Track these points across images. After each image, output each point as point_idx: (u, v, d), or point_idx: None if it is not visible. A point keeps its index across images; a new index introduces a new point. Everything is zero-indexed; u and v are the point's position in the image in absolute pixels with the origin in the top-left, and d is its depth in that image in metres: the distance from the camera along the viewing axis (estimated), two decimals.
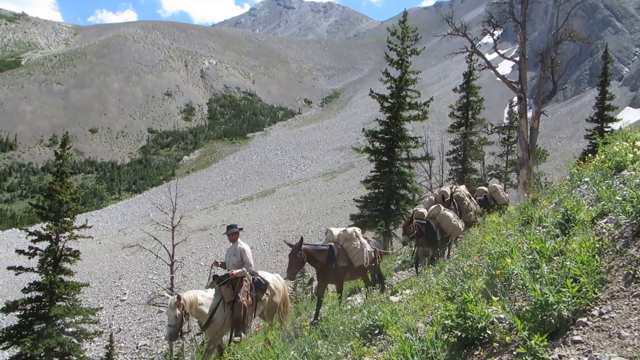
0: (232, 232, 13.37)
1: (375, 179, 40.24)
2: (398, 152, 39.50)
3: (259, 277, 13.37)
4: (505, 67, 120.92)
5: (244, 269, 12.82)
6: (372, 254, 14.47)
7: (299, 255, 12.95)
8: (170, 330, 11.40)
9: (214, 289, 12.65)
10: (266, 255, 69.88)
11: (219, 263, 13.80)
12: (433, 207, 18.34)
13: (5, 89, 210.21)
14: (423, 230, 16.85)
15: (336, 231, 14.30)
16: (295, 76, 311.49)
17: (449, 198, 20.59)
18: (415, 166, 42.65)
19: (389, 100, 39.67)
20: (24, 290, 27.85)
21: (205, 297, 12.24)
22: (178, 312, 11.24)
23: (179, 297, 11.36)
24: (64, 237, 28.17)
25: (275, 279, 14.13)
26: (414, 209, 19.47)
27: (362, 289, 18.61)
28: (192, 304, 11.71)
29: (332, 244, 14.05)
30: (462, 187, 22.31)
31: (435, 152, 49.95)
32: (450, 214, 17.80)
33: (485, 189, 27.03)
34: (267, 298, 13.46)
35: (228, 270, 12.97)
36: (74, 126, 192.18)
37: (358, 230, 14.51)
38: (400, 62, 39.37)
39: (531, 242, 6.90)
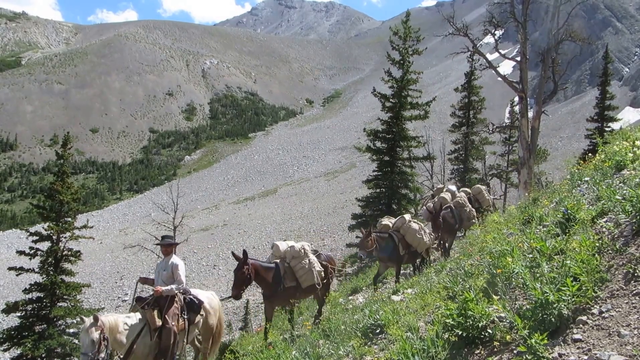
0: (167, 244, 11.69)
1: (377, 178, 40.22)
2: (399, 151, 39.49)
3: (191, 297, 11.65)
4: (507, 67, 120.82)
5: (172, 286, 10.98)
6: (323, 272, 13.40)
7: (245, 271, 11.82)
8: (84, 359, 9.44)
9: (137, 314, 10.77)
10: (268, 254, 69.58)
11: (146, 280, 11.98)
12: (397, 218, 17.15)
13: (6, 89, 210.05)
14: (383, 245, 15.70)
15: (283, 246, 13.36)
16: (296, 76, 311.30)
17: (447, 204, 20.25)
18: (416, 166, 42.66)
19: (391, 99, 39.67)
20: (25, 291, 27.87)
21: (126, 323, 10.37)
22: (95, 336, 9.42)
23: (96, 319, 9.63)
24: (65, 238, 28.19)
25: (211, 298, 12.68)
26: (380, 220, 18.02)
27: (363, 288, 18.65)
28: (111, 329, 9.92)
29: (278, 261, 13.11)
30: (462, 194, 22.01)
31: (437, 152, 50.01)
32: (416, 226, 16.47)
33: (469, 190, 25.93)
34: (201, 320, 11.89)
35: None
36: (75, 126, 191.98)
37: (307, 246, 13.51)
38: (402, 61, 39.36)
39: (532, 241, 6.93)
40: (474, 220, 20.48)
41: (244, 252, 12.07)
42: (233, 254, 12.39)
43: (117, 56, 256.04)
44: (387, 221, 17.27)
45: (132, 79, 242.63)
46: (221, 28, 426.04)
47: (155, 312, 10.73)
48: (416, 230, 16.24)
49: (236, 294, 11.77)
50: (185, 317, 11.24)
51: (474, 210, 21.33)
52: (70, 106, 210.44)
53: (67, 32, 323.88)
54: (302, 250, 13.13)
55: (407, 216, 16.96)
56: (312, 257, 13.24)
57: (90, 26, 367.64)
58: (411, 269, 19.65)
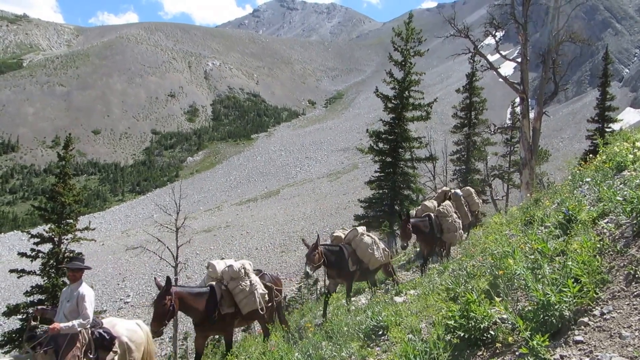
0: (75, 268, 9.66)
1: (379, 179, 40.31)
2: (402, 152, 39.56)
3: (101, 331, 9.59)
4: (508, 68, 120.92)
5: (74, 322, 9.01)
6: (267, 295, 11.96)
7: (167, 302, 9.87)
8: None
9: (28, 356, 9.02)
10: (271, 256, 69.90)
11: (44, 312, 10.09)
12: (350, 230, 15.54)
13: (7, 91, 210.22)
14: (332, 259, 14.08)
15: (220, 266, 11.68)
16: (299, 77, 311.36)
17: (429, 214, 18.37)
18: (419, 166, 42.71)
19: (393, 100, 39.76)
20: (26, 294, 27.84)
21: None
22: None
23: None
24: (67, 240, 28.16)
25: (133, 330, 10.49)
26: (333, 232, 16.14)
27: (366, 289, 18.58)
28: None
29: (214, 283, 11.35)
30: (447, 202, 19.49)
31: (439, 153, 49.99)
32: (368, 240, 14.85)
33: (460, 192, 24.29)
34: (116, 358, 9.74)
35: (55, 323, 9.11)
36: (77, 127, 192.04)
37: (248, 265, 11.98)
38: (404, 63, 39.42)
39: (533, 242, 6.94)
40: (457, 233, 18.40)
41: (167, 280, 10.07)
42: (155, 281, 10.57)
43: (119, 58, 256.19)
44: (340, 233, 15.65)
45: (134, 81, 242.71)
46: (223, 30, 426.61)
47: (50, 354, 8.94)
48: (368, 245, 14.69)
49: (155, 330, 9.84)
50: (92, 356, 9.33)
51: (459, 221, 18.83)
52: (72, 108, 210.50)
53: (69, 34, 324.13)
54: (242, 270, 11.58)
55: (361, 229, 15.38)
56: (254, 278, 11.84)
57: (92, 28, 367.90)
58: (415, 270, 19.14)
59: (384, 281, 18.84)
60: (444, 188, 23.96)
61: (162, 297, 9.82)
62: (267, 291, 12.03)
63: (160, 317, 9.75)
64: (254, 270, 12.40)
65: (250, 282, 11.53)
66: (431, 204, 19.59)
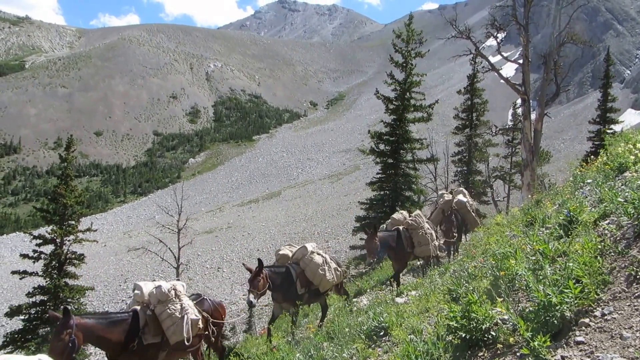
0: None
1: (381, 180, 40.27)
2: (403, 153, 39.51)
3: None
4: (509, 70, 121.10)
5: None
6: (200, 322, 10.36)
7: (66, 337, 8.52)
8: None
9: None
10: (272, 256, 69.78)
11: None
12: (298, 248, 13.81)
13: (9, 93, 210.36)
14: (278, 282, 12.53)
15: (147, 288, 10.12)
16: (300, 78, 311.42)
17: (398, 227, 16.60)
18: (420, 168, 42.69)
19: (394, 102, 39.74)
20: (29, 295, 27.96)
21: None
22: None
23: None
24: (69, 241, 28.28)
25: None
26: (279, 249, 14.52)
27: (367, 290, 18.51)
28: None
29: (139, 307, 9.86)
30: (418, 212, 17.48)
31: (440, 154, 49.99)
32: (318, 259, 13.27)
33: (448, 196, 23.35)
34: None
35: None
36: (79, 129, 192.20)
37: (181, 286, 10.45)
38: (405, 64, 39.42)
39: (534, 243, 6.94)
40: (431, 245, 16.47)
41: (65, 311, 8.67)
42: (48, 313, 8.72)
43: (121, 59, 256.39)
44: (286, 250, 14.04)
45: (136, 82, 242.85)
46: (225, 31, 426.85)
47: None
48: (318, 265, 13.11)
49: None
50: None
51: (431, 232, 16.89)
52: (74, 109, 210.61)
53: (71, 35, 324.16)
54: (172, 292, 10.05)
55: (310, 246, 13.71)
56: (187, 302, 10.21)
57: (94, 30, 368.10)
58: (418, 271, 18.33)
59: (384, 282, 18.78)
60: (445, 197, 21.96)
61: (60, 331, 8.46)
62: (199, 317, 10.28)
63: (58, 355, 8.31)
64: (193, 294, 11.41)
65: (181, 305, 9.96)
66: (400, 215, 17.26)
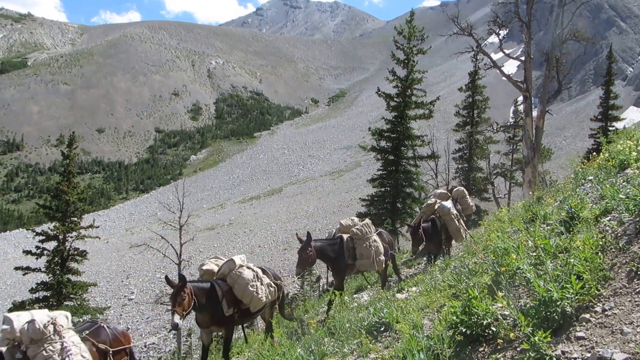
0: None
1: (382, 177, 40.18)
2: (404, 150, 39.42)
3: None
4: (511, 67, 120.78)
5: None
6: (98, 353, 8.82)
7: None
8: None
9: None
10: (273, 253, 69.93)
11: None
12: (225, 261, 11.79)
13: (12, 90, 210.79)
14: (202, 301, 10.53)
15: (19, 322, 7.94)
16: (302, 75, 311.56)
17: (341, 235, 14.45)
18: (421, 165, 42.62)
19: (395, 99, 39.66)
20: (32, 291, 27.99)
21: None
22: None
23: None
24: (71, 237, 28.29)
25: None
26: (202, 264, 12.26)
27: (368, 286, 18.44)
28: None
29: (4, 349, 7.85)
30: (366, 221, 14.95)
31: (441, 151, 49.94)
32: (248, 274, 11.35)
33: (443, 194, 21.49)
34: None
35: None
36: (81, 126, 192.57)
37: (64, 318, 8.37)
38: (407, 61, 39.33)
39: (536, 238, 6.95)
40: (375, 259, 14.18)
41: None
42: None
43: (123, 56, 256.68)
44: (212, 265, 11.96)
45: (137, 79, 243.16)
46: (226, 28, 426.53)
47: None
48: (248, 281, 11.17)
49: None
50: None
51: (377, 244, 14.50)
52: (76, 106, 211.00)
53: (73, 32, 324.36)
54: (50, 328, 7.97)
55: (239, 259, 11.82)
56: (71, 340, 8.18)
57: (96, 27, 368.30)
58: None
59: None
60: (429, 202, 19.55)
61: None
62: (86, 359, 8.24)
63: None
64: (87, 321, 9.79)
65: (62, 345, 7.97)
66: (350, 222, 15.01)
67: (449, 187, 26.32)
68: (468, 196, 22.21)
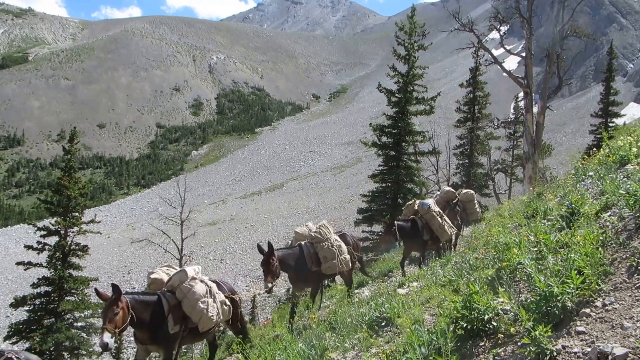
0: None
1: (383, 173, 40.21)
2: (405, 146, 39.47)
3: None
4: (512, 63, 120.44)
5: None
6: None
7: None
8: None
9: None
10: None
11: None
12: (176, 272, 10.37)
13: (13, 85, 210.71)
14: (144, 316, 9.26)
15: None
16: (303, 71, 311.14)
17: (300, 242, 13.62)
18: (422, 160, 42.67)
19: (396, 94, 39.69)
20: (33, 285, 28.03)
21: None
22: None
23: None
24: (73, 232, 28.34)
25: None
26: (150, 273, 10.77)
27: (369, 281, 18.39)
28: None
29: None
30: (323, 223, 14.26)
31: (442, 147, 49.83)
32: (201, 289, 10.06)
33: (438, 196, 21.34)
34: None
35: None
36: (82, 121, 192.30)
37: None
38: (408, 57, 39.36)
39: (537, 233, 6.98)
40: (339, 259, 13.39)
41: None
42: None
43: (124, 52, 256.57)
44: (161, 274, 10.49)
45: (139, 75, 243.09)
46: (228, 23, 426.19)
47: None
48: (199, 297, 9.91)
49: None
50: None
51: (338, 244, 13.77)
52: (77, 102, 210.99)
53: (74, 27, 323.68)
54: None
55: (192, 270, 10.49)
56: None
57: (97, 22, 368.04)
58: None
59: (387, 273, 18.71)
60: (409, 202, 18.62)
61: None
62: None
63: None
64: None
65: None
66: (305, 229, 14.15)
67: (449, 185, 26.04)
68: (475, 201, 21.98)
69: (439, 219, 16.76)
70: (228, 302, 10.91)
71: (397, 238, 16.16)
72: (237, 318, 11.69)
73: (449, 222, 17.39)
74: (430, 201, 17.40)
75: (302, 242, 13.47)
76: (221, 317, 10.60)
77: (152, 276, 10.41)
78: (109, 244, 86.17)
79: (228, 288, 11.47)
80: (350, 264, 14.25)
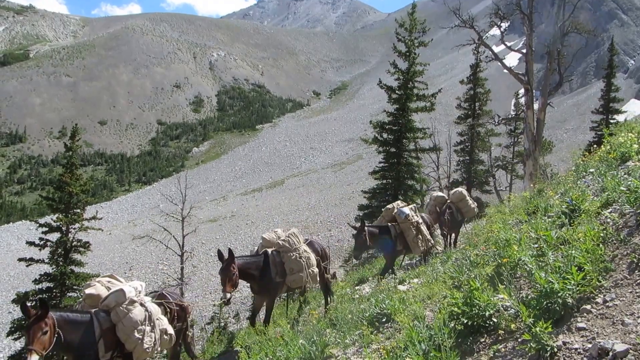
0: None
1: (383, 170, 40.18)
2: (406, 143, 39.42)
3: None
4: (512, 59, 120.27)
5: None
6: None
7: None
8: None
9: None
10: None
11: None
12: (113, 291, 9.03)
13: (14, 82, 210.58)
14: (71, 338, 8.14)
15: None
16: (303, 68, 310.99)
17: (266, 250, 12.79)
18: (423, 157, 42.64)
19: (397, 91, 39.63)
20: (35, 282, 28.08)
21: None
22: None
23: None
24: (74, 229, 28.36)
25: None
26: (86, 290, 9.42)
27: (370, 277, 18.35)
28: None
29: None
30: (293, 231, 13.42)
31: (443, 144, 49.87)
32: (138, 315, 8.84)
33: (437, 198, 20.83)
34: None
35: None
36: (83, 118, 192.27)
37: None
38: (408, 53, 39.31)
39: (538, 230, 6.99)
40: (306, 272, 12.59)
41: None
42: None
43: (125, 49, 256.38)
44: (100, 289, 9.29)
45: (139, 72, 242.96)
46: (228, 20, 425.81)
47: None
48: (136, 324, 8.75)
49: None
50: None
51: (309, 256, 13.01)
52: (79, 99, 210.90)
53: (75, 25, 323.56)
54: None
55: (133, 289, 9.24)
56: None
57: (98, 19, 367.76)
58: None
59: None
60: (388, 206, 17.00)
61: None
62: None
63: None
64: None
65: None
66: (273, 235, 13.28)
67: (450, 182, 25.94)
68: (468, 197, 21.15)
69: (414, 230, 15.70)
70: (170, 331, 9.58)
71: (367, 244, 14.77)
72: (186, 343, 11.14)
73: (427, 235, 16.32)
74: (408, 210, 16.12)
75: (269, 250, 12.65)
76: (159, 348, 9.39)
77: (88, 291, 9.29)
78: (111, 240, 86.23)
79: (175, 316, 10.32)
80: (318, 278, 13.37)
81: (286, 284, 12.52)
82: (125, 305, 8.67)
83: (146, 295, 9.77)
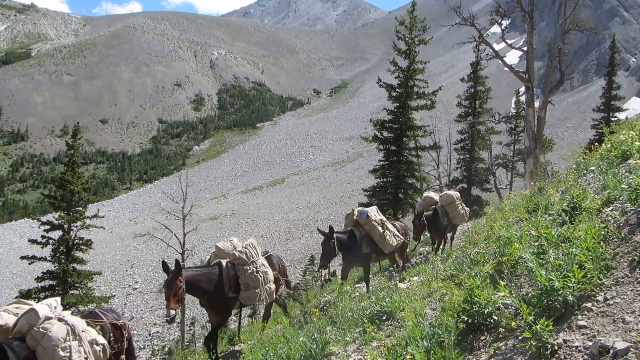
0: None
1: (384, 168, 40.08)
2: (406, 141, 39.32)
3: None
4: (513, 57, 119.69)
5: None
6: None
7: None
8: None
9: None
10: (276, 243, 70.13)
11: None
12: (23, 313, 7.25)
13: (16, 80, 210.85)
14: None
15: None
16: (304, 66, 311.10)
17: (219, 261, 11.42)
18: (423, 155, 42.55)
19: (397, 89, 39.54)
20: (38, 279, 28.17)
21: None
22: None
23: None
24: (76, 227, 28.47)
25: None
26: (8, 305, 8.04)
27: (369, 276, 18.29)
28: None
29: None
30: (251, 241, 11.96)
31: (443, 142, 49.84)
32: (59, 332, 7.12)
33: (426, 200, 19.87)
34: None
35: None
36: (85, 117, 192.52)
37: None
38: (408, 51, 39.22)
39: (538, 227, 6.99)
40: (262, 288, 11.27)
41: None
42: None
43: (126, 47, 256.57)
44: (7, 317, 7.42)
45: (140, 70, 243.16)
46: (229, 19, 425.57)
47: None
48: (57, 342, 7.07)
49: None
50: None
51: (266, 270, 11.70)
52: (80, 97, 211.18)
53: (76, 23, 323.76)
54: None
55: (46, 307, 7.52)
56: None
57: (99, 17, 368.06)
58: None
59: (388, 268, 18.68)
60: (348, 212, 15.44)
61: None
62: None
63: None
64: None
65: None
66: (228, 245, 11.89)
67: (450, 180, 25.72)
68: (459, 202, 19.68)
69: (380, 228, 14.30)
70: (102, 341, 7.96)
71: (336, 251, 13.31)
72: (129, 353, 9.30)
73: (394, 230, 15.02)
74: (369, 209, 14.77)
75: (223, 262, 11.25)
76: None
77: (9, 307, 7.75)
78: (112, 238, 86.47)
79: (109, 322, 8.82)
80: (275, 295, 12.18)
81: (239, 300, 11.24)
82: (40, 326, 7.12)
83: (74, 315, 8.29)
